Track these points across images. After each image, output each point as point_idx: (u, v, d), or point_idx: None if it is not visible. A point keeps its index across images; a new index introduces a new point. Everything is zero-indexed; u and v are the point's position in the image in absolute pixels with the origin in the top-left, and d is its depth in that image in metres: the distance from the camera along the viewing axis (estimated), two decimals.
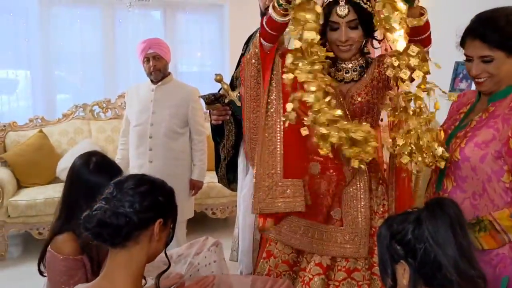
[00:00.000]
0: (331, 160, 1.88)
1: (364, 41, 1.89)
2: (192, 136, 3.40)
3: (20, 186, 4.25)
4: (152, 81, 3.34)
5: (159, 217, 1.42)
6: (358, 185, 1.91)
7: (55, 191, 4.04)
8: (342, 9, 1.76)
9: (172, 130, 3.28)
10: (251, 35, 2.49)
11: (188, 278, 1.93)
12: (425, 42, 1.73)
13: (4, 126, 4.47)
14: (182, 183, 3.32)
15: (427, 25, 1.70)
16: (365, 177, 1.91)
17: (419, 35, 1.71)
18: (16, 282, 3.52)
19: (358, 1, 1.78)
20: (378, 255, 1.34)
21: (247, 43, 2.50)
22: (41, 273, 1.89)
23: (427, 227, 1.24)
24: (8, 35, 4.84)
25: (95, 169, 1.87)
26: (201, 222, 4.33)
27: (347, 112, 1.85)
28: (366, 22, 1.80)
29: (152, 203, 1.41)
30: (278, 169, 1.91)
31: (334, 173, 1.93)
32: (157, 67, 3.26)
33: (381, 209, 1.95)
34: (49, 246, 1.81)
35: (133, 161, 3.37)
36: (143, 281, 1.50)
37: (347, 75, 1.91)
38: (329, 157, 1.72)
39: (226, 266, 2.22)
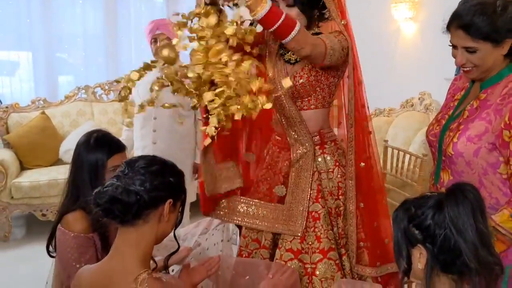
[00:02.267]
0: (280, 139, 1.96)
1: (306, 21, 1.87)
2: (197, 119, 3.38)
3: (23, 167, 4.25)
4: None
5: (169, 197, 1.43)
6: (307, 165, 1.92)
7: (58, 173, 4.05)
8: None
9: (177, 112, 3.26)
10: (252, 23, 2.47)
11: (194, 259, 1.94)
12: (278, 34, 1.67)
13: (6, 107, 4.46)
14: (185, 166, 3.30)
15: (267, 19, 1.62)
16: (313, 160, 1.93)
17: (266, 29, 1.67)
18: (19, 263, 3.53)
19: None
20: (393, 238, 1.33)
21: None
22: (49, 253, 1.89)
23: (448, 212, 1.22)
24: (9, 16, 4.79)
25: (96, 145, 1.88)
26: None
27: (293, 94, 1.89)
28: (304, 2, 1.80)
29: (162, 182, 1.42)
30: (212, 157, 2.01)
31: (282, 152, 1.98)
32: None
33: (338, 191, 1.96)
34: (59, 225, 1.82)
35: (137, 142, 3.36)
36: (153, 263, 1.50)
37: (293, 56, 1.93)
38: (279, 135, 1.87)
39: (231, 247, 2.23)
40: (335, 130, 2.11)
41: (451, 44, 1.62)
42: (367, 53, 4.97)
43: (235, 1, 1.64)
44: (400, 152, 3.51)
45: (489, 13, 1.51)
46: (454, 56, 1.63)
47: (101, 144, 1.89)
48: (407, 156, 3.45)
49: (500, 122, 1.54)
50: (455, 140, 1.62)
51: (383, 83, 4.82)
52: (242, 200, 2.04)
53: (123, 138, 3.46)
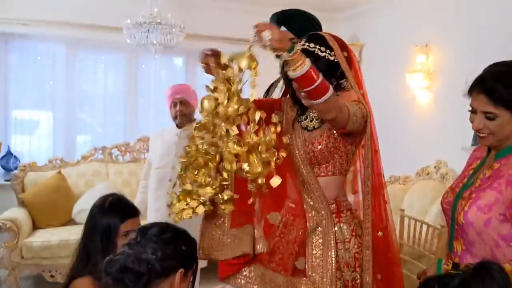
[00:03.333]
0: (294, 207, 1.92)
1: None
2: None
3: (35, 227, 4.24)
4: (177, 125, 3.37)
5: (180, 266, 1.40)
6: (325, 235, 1.87)
7: (70, 233, 4.03)
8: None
9: None
10: (272, 84, 2.51)
11: None
12: (311, 95, 1.65)
13: (24, 166, 4.52)
14: (198, 230, 3.27)
15: (305, 78, 1.61)
16: (332, 227, 1.87)
17: (301, 88, 1.65)
18: None
19: (311, 49, 1.84)
20: None
21: (267, 91, 2.52)
22: None
23: None
24: (34, 77, 4.97)
25: (110, 209, 1.88)
26: (214, 272, 4.23)
27: (310, 161, 1.89)
28: (322, 69, 1.76)
29: (174, 251, 1.40)
30: (226, 219, 1.95)
31: (297, 220, 1.93)
32: (183, 112, 3.32)
33: (355, 262, 1.89)
34: None
35: (151, 204, 3.35)
36: None
37: (311, 123, 1.95)
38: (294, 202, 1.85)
39: None
40: (350, 197, 2.07)
41: (470, 109, 1.62)
42: (382, 121, 5.01)
43: (278, 53, 1.63)
44: (418, 222, 3.44)
45: None
46: (471, 121, 1.62)
47: (115, 208, 1.89)
48: (424, 227, 3.37)
49: (511, 193, 1.51)
50: (466, 208, 1.59)
51: (398, 151, 4.80)
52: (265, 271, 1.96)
53: (137, 200, 3.46)
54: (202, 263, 3.36)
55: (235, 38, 5.33)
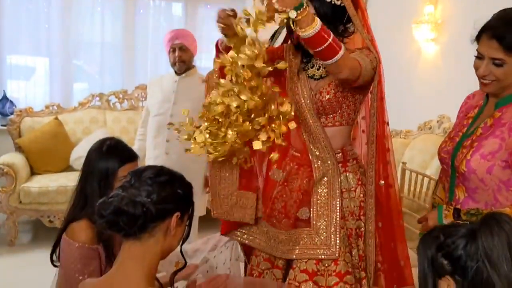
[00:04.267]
0: (299, 156, 1.90)
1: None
2: None
3: (33, 172, 4.23)
4: (175, 72, 3.29)
5: (176, 210, 1.37)
6: (330, 184, 1.85)
7: (68, 180, 4.02)
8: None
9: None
10: (276, 30, 2.41)
11: (202, 277, 1.87)
12: (322, 55, 1.60)
13: (20, 111, 4.46)
14: (196, 179, 3.25)
15: (316, 39, 1.55)
16: (338, 176, 1.85)
17: (312, 49, 1.61)
18: (24, 269, 3.48)
19: None
20: (418, 266, 1.24)
21: (271, 38, 2.42)
22: (52, 262, 1.83)
23: (483, 243, 1.14)
24: (28, 21, 4.82)
25: (108, 153, 1.85)
26: (213, 220, 4.26)
27: (318, 111, 1.85)
28: (328, 14, 1.75)
29: (170, 194, 1.36)
30: (235, 179, 1.97)
31: (301, 169, 1.90)
32: (182, 58, 3.23)
33: (359, 211, 1.88)
34: (64, 234, 1.76)
35: (150, 151, 3.34)
36: (157, 284, 1.43)
37: (318, 71, 1.88)
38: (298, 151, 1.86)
39: (239, 266, 2.16)
40: None
41: (476, 54, 1.59)
42: (386, 73, 4.91)
43: (286, 15, 1.55)
44: (419, 175, 3.42)
45: None
46: (477, 67, 1.60)
47: (113, 152, 1.86)
48: (426, 180, 3.35)
49: None
50: (468, 157, 1.61)
51: (401, 104, 4.72)
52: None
53: (135, 147, 3.42)
54: (200, 211, 3.37)
55: None
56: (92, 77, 5.28)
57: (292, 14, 1.51)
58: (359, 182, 1.89)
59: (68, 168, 4.34)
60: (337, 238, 1.80)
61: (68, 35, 4.91)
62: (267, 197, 1.98)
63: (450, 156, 1.70)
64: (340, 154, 1.90)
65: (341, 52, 1.59)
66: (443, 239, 1.19)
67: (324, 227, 1.83)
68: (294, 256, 1.84)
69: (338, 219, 1.82)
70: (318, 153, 1.87)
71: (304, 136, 1.89)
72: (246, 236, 2.02)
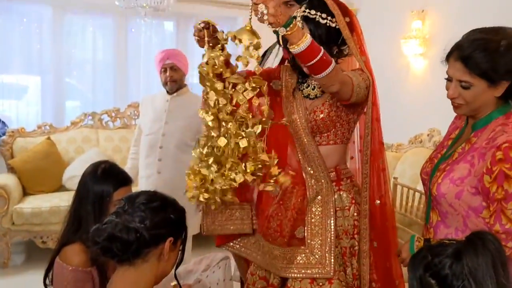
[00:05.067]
0: (294, 174, 1.89)
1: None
2: None
3: (25, 193, 4.21)
4: (167, 91, 3.31)
5: (169, 235, 1.39)
6: (324, 203, 1.86)
7: (61, 200, 4.00)
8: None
9: (183, 142, 3.23)
10: (267, 50, 2.45)
11: None
12: (314, 69, 1.62)
13: (12, 132, 4.45)
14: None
15: (306, 54, 1.58)
16: (332, 195, 1.87)
17: (303, 63, 1.63)
18: None
19: (312, 16, 1.78)
20: (408, 285, 1.26)
21: (262, 57, 2.45)
22: (45, 286, 1.83)
23: (467, 263, 1.15)
24: (20, 40, 4.82)
25: (103, 176, 1.85)
26: (206, 238, 4.25)
27: (312, 129, 1.87)
28: (323, 37, 1.79)
29: (163, 220, 1.38)
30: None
31: (296, 187, 1.92)
32: (174, 78, 3.25)
33: (353, 230, 1.89)
34: (57, 257, 1.77)
35: (142, 171, 3.32)
36: None
37: (313, 91, 1.92)
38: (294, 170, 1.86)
39: (232, 286, 2.16)
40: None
41: (447, 77, 1.57)
42: (376, 87, 4.96)
43: (276, 29, 1.57)
44: (410, 190, 3.44)
45: (491, 50, 1.46)
46: (447, 89, 1.58)
47: (108, 175, 1.87)
48: (417, 195, 3.38)
49: (482, 166, 1.47)
50: (439, 181, 1.57)
51: (392, 118, 4.76)
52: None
53: (128, 166, 3.43)
54: (194, 230, 3.36)
55: (228, 2, 5.21)
56: (84, 95, 5.28)
57: (282, 30, 1.54)
58: (353, 201, 1.91)
59: (61, 188, 4.32)
60: (332, 257, 1.81)
61: (60, 53, 4.91)
62: (262, 213, 1.99)
63: (429, 177, 1.68)
64: (334, 173, 1.92)
65: (332, 66, 1.62)
66: (430, 259, 1.20)
67: (318, 246, 1.84)
68: (289, 275, 1.84)
69: (332, 238, 1.83)
70: (312, 172, 1.89)
71: (299, 155, 1.92)
72: (243, 249, 2.02)
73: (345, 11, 1.85)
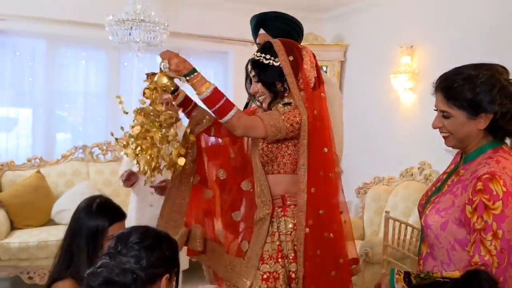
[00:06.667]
0: (252, 192, 2.03)
1: (271, 95, 2.00)
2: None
3: (13, 227, 4.13)
4: None
5: (165, 272, 1.36)
6: (266, 227, 1.96)
7: (49, 234, 3.93)
8: (249, 66, 2.02)
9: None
10: (247, 103, 2.52)
11: None
12: (218, 114, 1.87)
13: (2, 165, 4.41)
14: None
15: (210, 99, 1.84)
16: (275, 220, 1.99)
17: (209, 108, 1.89)
18: None
19: (257, 58, 1.98)
20: None
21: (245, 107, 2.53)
22: None
23: None
24: (12, 73, 4.84)
25: (98, 211, 1.84)
26: (196, 271, 4.20)
27: (262, 158, 1.99)
28: (266, 74, 1.97)
29: (158, 258, 1.35)
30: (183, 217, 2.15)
31: (254, 206, 2.00)
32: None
33: (292, 254, 1.98)
34: None
35: (132, 203, 3.30)
36: None
37: None
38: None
39: None
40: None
41: (435, 108, 1.62)
42: (366, 121, 5.03)
43: (182, 77, 1.87)
44: (402, 224, 3.43)
45: (470, 83, 1.50)
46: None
47: (104, 210, 1.86)
48: (409, 229, 3.37)
49: (465, 197, 1.49)
50: (427, 212, 1.59)
51: (383, 151, 4.80)
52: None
53: (122, 168, 3.39)
54: (184, 265, 3.33)
55: (219, 37, 5.28)
56: (75, 128, 5.27)
57: (183, 80, 1.80)
58: (295, 227, 2.00)
59: (50, 222, 4.26)
60: (257, 274, 1.92)
61: (52, 86, 4.92)
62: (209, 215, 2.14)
63: (422, 210, 1.69)
64: (280, 199, 2.02)
65: (233, 112, 1.84)
66: None
67: (251, 261, 1.95)
68: (225, 280, 2.01)
69: (262, 257, 1.94)
70: (259, 195, 2.00)
71: (255, 178, 2.02)
72: (208, 261, 2.16)
73: (291, 50, 1.99)
